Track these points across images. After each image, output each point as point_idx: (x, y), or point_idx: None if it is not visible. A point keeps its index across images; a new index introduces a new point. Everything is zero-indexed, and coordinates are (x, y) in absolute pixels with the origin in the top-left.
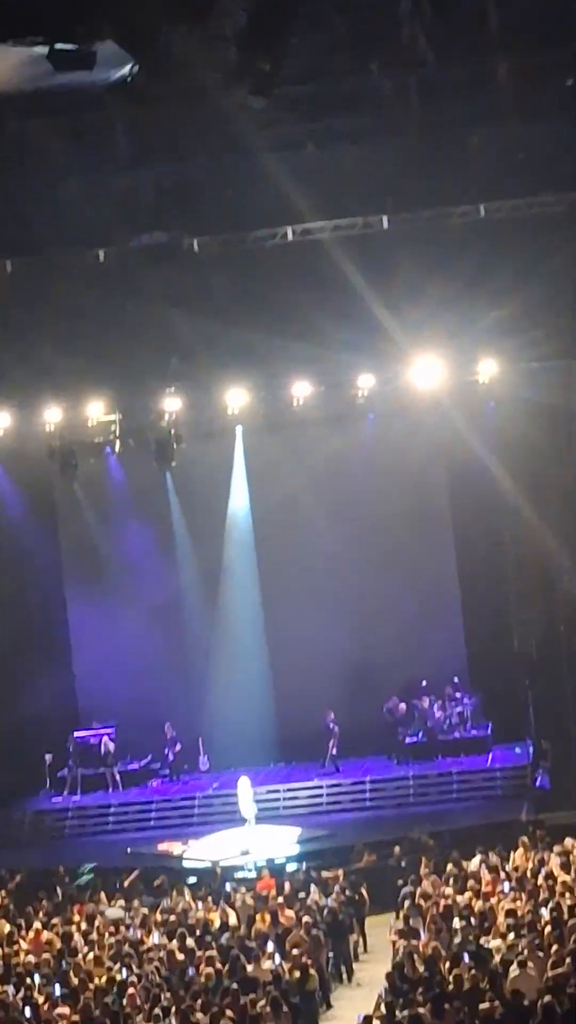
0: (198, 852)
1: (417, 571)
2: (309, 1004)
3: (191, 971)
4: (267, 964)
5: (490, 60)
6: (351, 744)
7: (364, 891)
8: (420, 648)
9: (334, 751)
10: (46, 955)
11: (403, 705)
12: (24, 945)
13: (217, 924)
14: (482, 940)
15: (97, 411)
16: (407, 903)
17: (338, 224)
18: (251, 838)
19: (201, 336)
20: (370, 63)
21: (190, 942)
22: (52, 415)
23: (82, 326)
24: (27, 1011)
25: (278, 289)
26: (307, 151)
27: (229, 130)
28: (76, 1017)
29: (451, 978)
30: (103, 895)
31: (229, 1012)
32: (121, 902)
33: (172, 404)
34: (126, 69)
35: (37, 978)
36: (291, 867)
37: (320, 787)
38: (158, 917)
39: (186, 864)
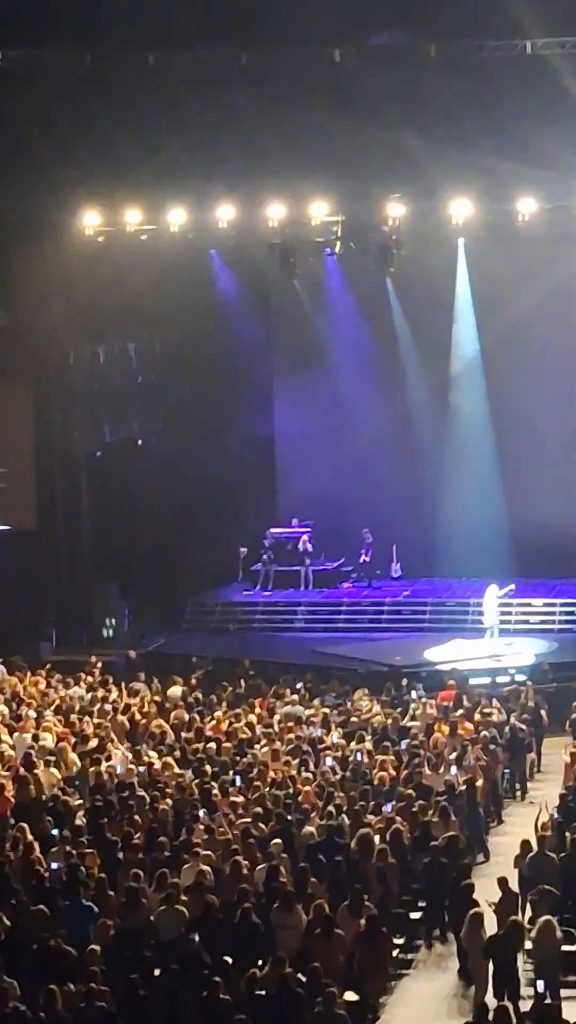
0: (435, 656)
1: None
2: (479, 817)
3: (367, 774)
4: (442, 774)
5: None
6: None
7: (545, 711)
8: None
9: None
10: (225, 744)
11: None
12: (205, 733)
13: (397, 730)
14: None
15: (320, 211)
16: None
17: None
18: (493, 646)
19: (429, 143)
20: None
21: (368, 745)
22: (275, 211)
23: (312, 124)
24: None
25: (510, 104)
26: None
27: None
28: (251, 807)
29: None
30: (287, 691)
31: (401, 817)
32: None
33: (396, 210)
34: None
35: (214, 766)
36: (475, 680)
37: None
38: (339, 718)
39: (372, 668)
